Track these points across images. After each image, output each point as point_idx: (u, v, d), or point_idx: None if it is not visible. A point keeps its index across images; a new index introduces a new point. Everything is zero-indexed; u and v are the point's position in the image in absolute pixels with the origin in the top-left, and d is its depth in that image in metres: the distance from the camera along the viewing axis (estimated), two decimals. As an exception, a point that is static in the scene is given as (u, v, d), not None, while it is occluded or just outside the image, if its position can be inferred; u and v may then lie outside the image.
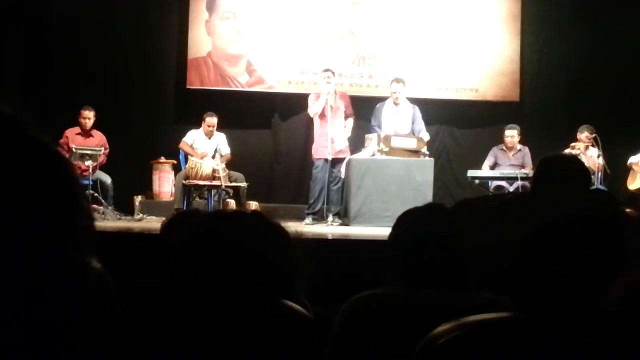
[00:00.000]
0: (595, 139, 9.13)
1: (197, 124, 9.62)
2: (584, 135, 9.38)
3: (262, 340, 1.71)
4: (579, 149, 9.34)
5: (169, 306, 1.74)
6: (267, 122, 10.95)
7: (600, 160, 9.15)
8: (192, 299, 1.71)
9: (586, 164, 9.22)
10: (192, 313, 1.70)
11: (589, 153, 9.37)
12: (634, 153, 9.44)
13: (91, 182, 8.82)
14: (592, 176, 9.35)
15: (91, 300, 0.94)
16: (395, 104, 9.31)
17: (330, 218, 8.98)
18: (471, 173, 9.26)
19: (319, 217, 9.11)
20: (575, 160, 3.32)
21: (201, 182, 8.84)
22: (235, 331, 1.70)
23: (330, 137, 9.01)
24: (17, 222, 0.88)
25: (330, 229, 8.59)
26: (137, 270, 2.23)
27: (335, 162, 9.11)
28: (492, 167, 9.77)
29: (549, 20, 10.93)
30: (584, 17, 10.81)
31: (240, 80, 10.72)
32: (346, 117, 9.36)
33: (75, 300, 0.92)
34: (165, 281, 1.78)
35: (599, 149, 9.13)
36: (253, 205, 8.92)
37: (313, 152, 9.32)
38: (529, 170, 9.36)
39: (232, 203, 8.95)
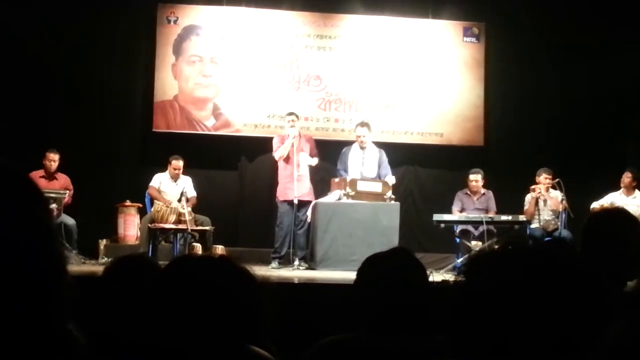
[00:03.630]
0: (558, 183, 9.21)
1: (163, 167, 9.59)
2: (542, 177, 9.48)
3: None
4: (539, 189, 9.44)
5: (131, 352, 1.72)
6: (233, 164, 10.93)
7: (564, 203, 9.22)
8: (156, 344, 1.69)
9: (548, 202, 9.43)
10: (157, 358, 1.68)
11: (551, 194, 9.47)
12: (597, 198, 9.53)
13: (55, 226, 8.69)
14: (556, 218, 9.44)
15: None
16: (362, 147, 9.35)
17: (296, 262, 8.95)
18: (437, 217, 9.29)
19: (285, 261, 9.09)
20: (625, 213, 3.25)
21: (167, 226, 8.80)
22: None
23: (295, 179, 9.03)
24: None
25: (297, 273, 8.56)
26: (99, 316, 2.21)
27: (301, 205, 9.12)
28: (461, 212, 9.81)
29: (512, 66, 11.08)
30: (547, 64, 10.97)
31: (207, 124, 10.71)
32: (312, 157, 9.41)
33: None
34: (129, 327, 1.77)
35: (562, 192, 9.21)
36: (219, 249, 8.86)
37: (277, 194, 9.33)
38: (493, 214, 9.44)
39: (198, 247, 8.89)
